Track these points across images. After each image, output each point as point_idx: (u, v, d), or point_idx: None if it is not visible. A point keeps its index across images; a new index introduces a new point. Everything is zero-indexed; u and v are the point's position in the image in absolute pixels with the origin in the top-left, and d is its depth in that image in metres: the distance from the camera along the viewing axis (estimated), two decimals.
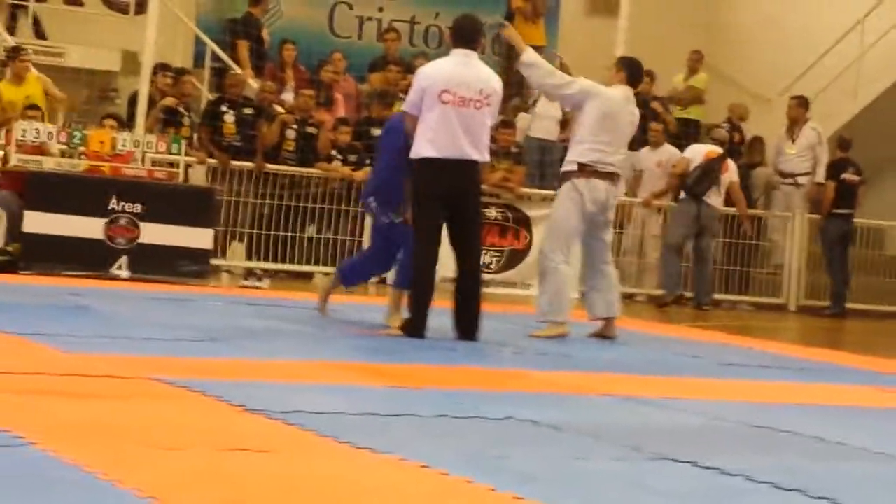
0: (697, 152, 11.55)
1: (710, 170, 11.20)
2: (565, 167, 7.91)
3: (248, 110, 10.91)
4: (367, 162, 10.99)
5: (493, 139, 8.91)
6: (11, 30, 12.00)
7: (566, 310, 7.88)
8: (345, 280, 8.47)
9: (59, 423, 3.79)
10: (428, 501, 3.17)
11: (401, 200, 7.77)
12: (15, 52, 10.84)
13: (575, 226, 7.78)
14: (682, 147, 11.93)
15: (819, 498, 3.35)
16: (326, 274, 11.49)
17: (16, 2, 12.43)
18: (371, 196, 8.07)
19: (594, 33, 13.69)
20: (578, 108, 7.69)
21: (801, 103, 12.60)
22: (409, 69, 10.60)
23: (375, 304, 9.05)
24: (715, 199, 11.15)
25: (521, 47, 7.88)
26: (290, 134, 11.11)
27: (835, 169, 12.16)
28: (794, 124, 12.52)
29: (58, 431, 3.61)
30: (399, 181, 7.66)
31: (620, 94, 7.74)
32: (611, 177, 7.74)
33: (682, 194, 11.55)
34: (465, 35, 7.34)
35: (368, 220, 10.29)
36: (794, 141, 12.46)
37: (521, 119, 12.10)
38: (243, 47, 12.38)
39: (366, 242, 11.04)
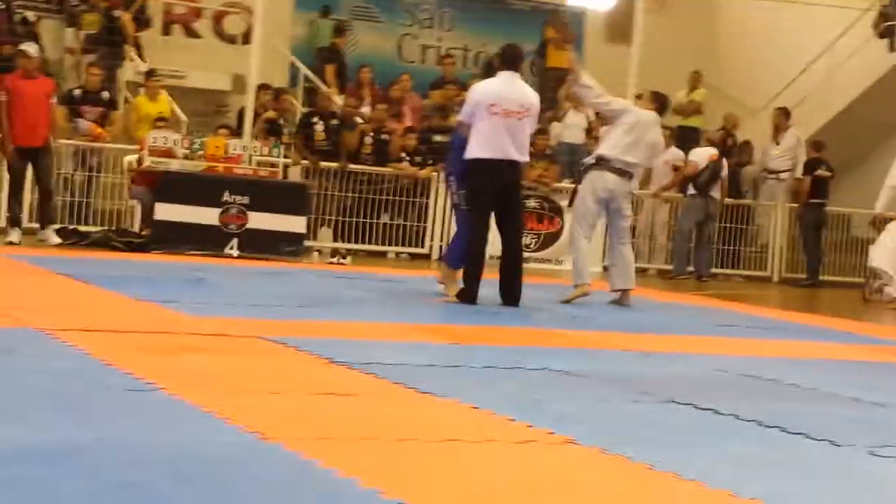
0: (701, 156, 12.65)
1: (716, 170, 12.44)
2: (588, 160, 8.73)
3: (333, 121, 12.12)
4: (430, 162, 12.38)
5: (532, 143, 9.40)
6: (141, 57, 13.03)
7: (585, 274, 8.53)
8: (451, 263, 8.95)
9: (182, 372, 4.26)
10: (477, 436, 3.55)
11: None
12: (150, 74, 12.16)
13: (590, 208, 8.52)
14: (684, 149, 13.02)
15: (794, 433, 3.82)
16: (414, 254, 12.98)
17: (138, 34, 13.38)
18: (451, 175, 8.90)
19: (613, 58, 14.60)
20: (616, 120, 8.56)
21: (783, 113, 14.11)
22: (464, 87, 11.19)
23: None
24: (716, 193, 12.47)
25: (579, 71, 8.77)
26: (368, 140, 12.30)
27: (810, 167, 13.48)
28: (778, 130, 13.98)
29: (181, 379, 4.06)
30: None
31: (651, 117, 8.64)
32: (621, 172, 8.40)
33: (692, 190, 12.68)
34: (510, 59, 8.19)
35: (446, 210, 12.05)
36: (777, 144, 13.93)
37: (554, 127, 13.20)
38: (330, 71, 13.67)
39: (429, 228, 12.64)
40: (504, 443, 3.56)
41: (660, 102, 8.81)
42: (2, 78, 10.36)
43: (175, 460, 2.99)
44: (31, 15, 13.16)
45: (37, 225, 10.71)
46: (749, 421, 4.16)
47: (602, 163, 8.36)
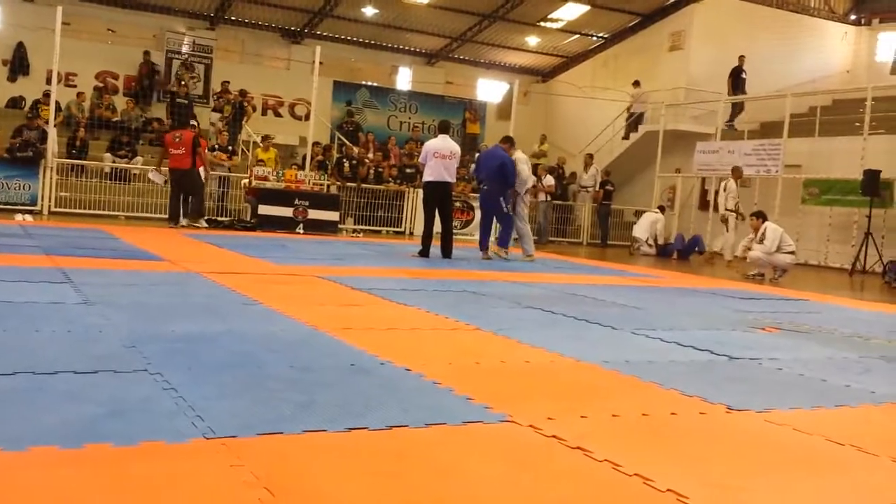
0: (552, 180, 17.88)
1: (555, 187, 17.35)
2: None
3: (354, 161, 16.76)
4: (402, 183, 16.64)
5: (457, 172, 11.22)
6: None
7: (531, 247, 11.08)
8: (501, 244, 11.10)
9: (272, 294, 5.60)
10: (428, 326, 4.82)
11: (507, 199, 10.84)
12: (265, 138, 16.52)
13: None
14: (537, 176, 17.02)
15: (593, 323, 5.36)
16: (396, 231, 15.88)
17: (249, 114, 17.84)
18: (501, 196, 10.91)
19: (501, 127, 19.56)
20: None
21: (589, 156, 20.07)
22: (422, 143, 12.91)
23: (414, 244, 11.58)
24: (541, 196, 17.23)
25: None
26: (371, 171, 16.99)
27: (602, 184, 19.28)
28: (586, 166, 19.78)
29: (272, 298, 5.41)
30: (502, 189, 10.74)
31: (522, 155, 11.38)
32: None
33: (545, 197, 17.34)
34: (444, 128, 10.98)
35: (415, 208, 13.79)
36: (586, 173, 19.68)
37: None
38: (351, 135, 19.11)
39: (404, 218, 16.21)
40: (442, 330, 4.79)
41: (511, 143, 11.37)
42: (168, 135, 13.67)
43: (268, 340, 4.03)
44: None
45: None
46: (569, 317, 5.58)
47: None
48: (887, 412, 3.70)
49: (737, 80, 19.28)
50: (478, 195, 12.26)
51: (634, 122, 20.63)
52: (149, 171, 14.72)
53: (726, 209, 14.61)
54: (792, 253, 12.10)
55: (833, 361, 4.86)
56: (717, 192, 15.69)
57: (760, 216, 12.53)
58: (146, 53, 19.24)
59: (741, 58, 19.33)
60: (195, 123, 14.76)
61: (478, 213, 14.32)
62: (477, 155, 15.49)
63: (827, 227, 16.49)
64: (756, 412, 3.43)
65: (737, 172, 15.15)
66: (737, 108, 19.22)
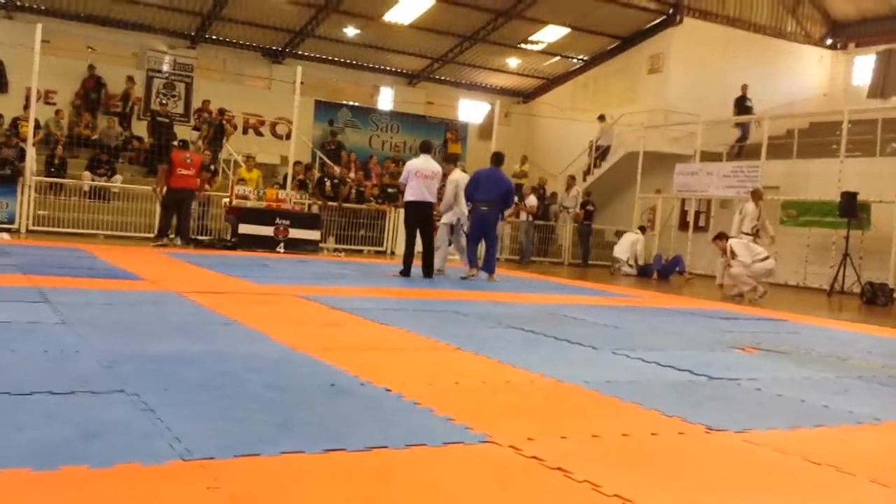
0: (534, 201, 18.04)
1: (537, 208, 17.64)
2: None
3: (336, 180, 17.05)
4: (383, 202, 16.87)
5: (438, 192, 11.28)
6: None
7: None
8: (491, 269, 11.16)
9: (252, 314, 5.64)
10: (409, 346, 4.85)
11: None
12: (249, 157, 16.82)
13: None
14: (518, 196, 17.15)
15: (574, 343, 5.38)
16: (376, 251, 15.83)
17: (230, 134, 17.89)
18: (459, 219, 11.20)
19: (482, 147, 19.63)
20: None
21: (572, 177, 20.70)
22: (403, 163, 12.79)
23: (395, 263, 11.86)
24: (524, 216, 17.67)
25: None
26: (353, 190, 17.23)
27: (583, 205, 19.57)
28: (569, 186, 20.27)
29: (252, 317, 5.46)
30: (500, 212, 11.03)
31: (463, 175, 11.36)
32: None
33: (526, 217, 17.56)
34: (426, 148, 11.00)
35: (397, 228, 15.26)
36: (568, 193, 19.96)
37: (449, 183, 15.77)
38: (332, 154, 18.87)
39: (385, 237, 16.40)
40: (423, 350, 4.78)
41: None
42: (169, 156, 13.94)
43: (247, 360, 4.01)
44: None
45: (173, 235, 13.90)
46: (550, 336, 5.57)
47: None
48: (865, 432, 3.72)
49: (741, 108, 19.67)
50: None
51: (602, 153, 20.99)
52: (150, 189, 14.74)
53: (742, 232, 14.21)
54: (767, 258, 12.06)
55: (811, 381, 4.90)
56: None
57: (722, 237, 12.55)
58: (91, 67, 19.05)
59: (744, 87, 19.72)
60: (185, 141, 14.96)
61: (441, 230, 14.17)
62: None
63: (805, 248, 16.66)
64: (735, 432, 3.44)
65: (756, 195, 14.66)
66: (744, 131, 19.49)
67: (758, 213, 14.41)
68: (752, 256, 11.86)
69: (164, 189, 13.77)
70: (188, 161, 13.83)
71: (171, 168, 13.67)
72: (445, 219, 11.61)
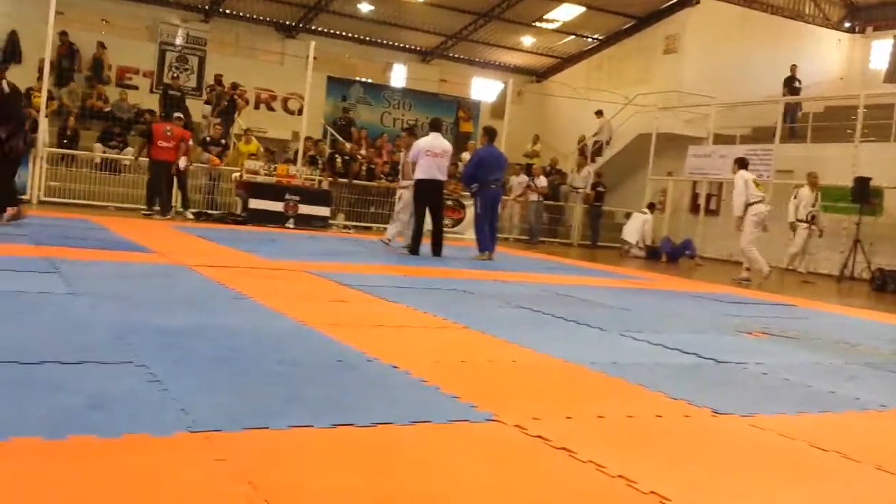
0: (545, 181, 17.93)
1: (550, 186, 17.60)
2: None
3: (346, 157, 16.71)
4: (391, 180, 16.30)
5: (448, 171, 11.28)
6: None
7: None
8: (482, 248, 10.95)
9: (261, 289, 5.66)
10: (416, 323, 4.85)
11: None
12: (246, 131, 16.94)
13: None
14: (529, 176, 17.75)
15: (582, 324, 5.37)
16: (386, 229, 12.97)
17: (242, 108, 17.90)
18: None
19: (494, 126, 15.70)
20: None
21: (583, 158, 20.43)
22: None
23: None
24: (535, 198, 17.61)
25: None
26: (364, 167, 17.00)
27: (594, 186, 19.39)
28: (580, 166, 19.97)
29: (261, 292, 5.48)
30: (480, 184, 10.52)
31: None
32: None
33: (537, 197, 17.51)
34: (435, 126, 11.08)
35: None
36: (579, 174, 19.87)
37: (462, 159, 16.74)
38: (343, 130, 18.93)
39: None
40: (430, 327, 4.80)
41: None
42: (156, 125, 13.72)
43: (257, 335, 4.02)
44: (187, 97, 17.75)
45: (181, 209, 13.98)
46: (558, 317, 5.57)
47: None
48: (871, 419, 3.72)
49: (791, 89, 19.48)
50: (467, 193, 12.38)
51: (598, 149, 21.00)
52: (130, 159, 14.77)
53: (797, 219, 13.92)
54: (761, 201, 11.78)
55: (819, 367, 4.90)
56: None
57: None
58: (62, 34, 18.44)
59: (793, 67, 19.56)
60: (180, 115, 14.69)
61: (468, 212, 14.79)
62: (467, 154, 15.87)
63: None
64: (741, 416, 3.44)
65: (811, 178, 14.32)
66: (795, 110, 19.14)
67: (813, 199, 14.17)
68: (745, 204, 11.64)
69: (141, 160, 13.98)
70: (168, 133, 13.75)
71: (152, 139, 13.68)
72: (408, 193, 11.34)
